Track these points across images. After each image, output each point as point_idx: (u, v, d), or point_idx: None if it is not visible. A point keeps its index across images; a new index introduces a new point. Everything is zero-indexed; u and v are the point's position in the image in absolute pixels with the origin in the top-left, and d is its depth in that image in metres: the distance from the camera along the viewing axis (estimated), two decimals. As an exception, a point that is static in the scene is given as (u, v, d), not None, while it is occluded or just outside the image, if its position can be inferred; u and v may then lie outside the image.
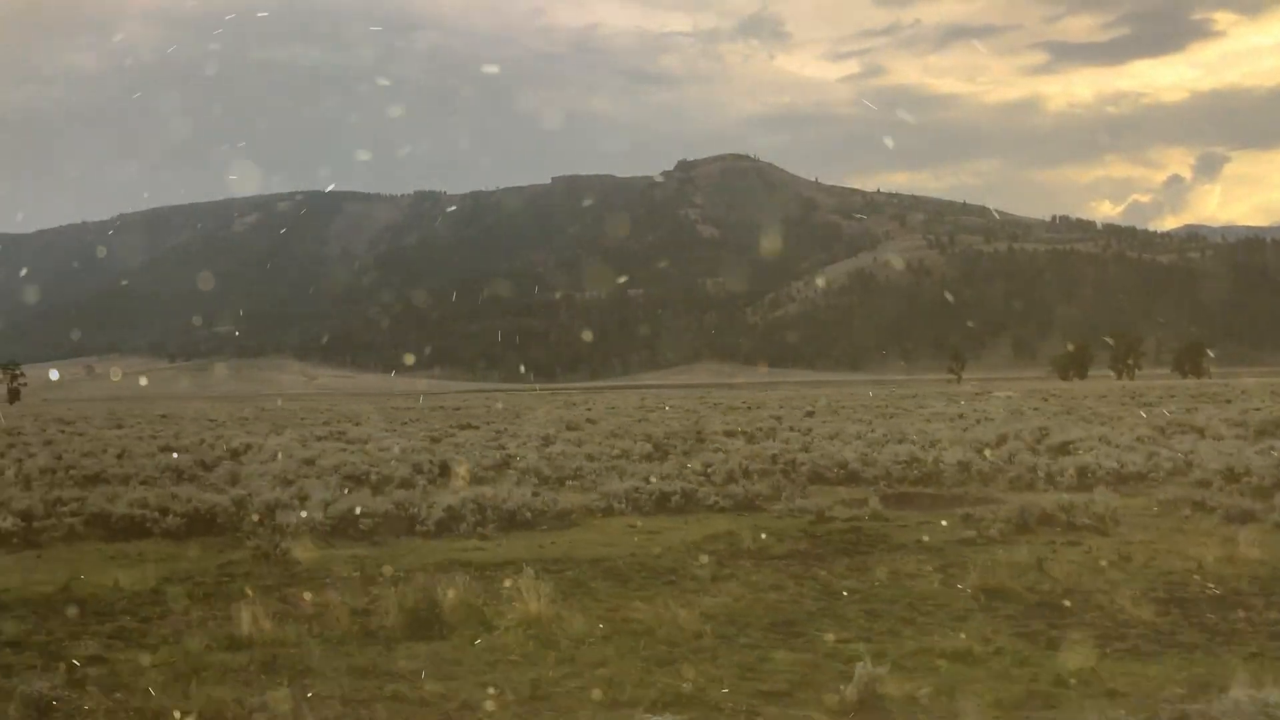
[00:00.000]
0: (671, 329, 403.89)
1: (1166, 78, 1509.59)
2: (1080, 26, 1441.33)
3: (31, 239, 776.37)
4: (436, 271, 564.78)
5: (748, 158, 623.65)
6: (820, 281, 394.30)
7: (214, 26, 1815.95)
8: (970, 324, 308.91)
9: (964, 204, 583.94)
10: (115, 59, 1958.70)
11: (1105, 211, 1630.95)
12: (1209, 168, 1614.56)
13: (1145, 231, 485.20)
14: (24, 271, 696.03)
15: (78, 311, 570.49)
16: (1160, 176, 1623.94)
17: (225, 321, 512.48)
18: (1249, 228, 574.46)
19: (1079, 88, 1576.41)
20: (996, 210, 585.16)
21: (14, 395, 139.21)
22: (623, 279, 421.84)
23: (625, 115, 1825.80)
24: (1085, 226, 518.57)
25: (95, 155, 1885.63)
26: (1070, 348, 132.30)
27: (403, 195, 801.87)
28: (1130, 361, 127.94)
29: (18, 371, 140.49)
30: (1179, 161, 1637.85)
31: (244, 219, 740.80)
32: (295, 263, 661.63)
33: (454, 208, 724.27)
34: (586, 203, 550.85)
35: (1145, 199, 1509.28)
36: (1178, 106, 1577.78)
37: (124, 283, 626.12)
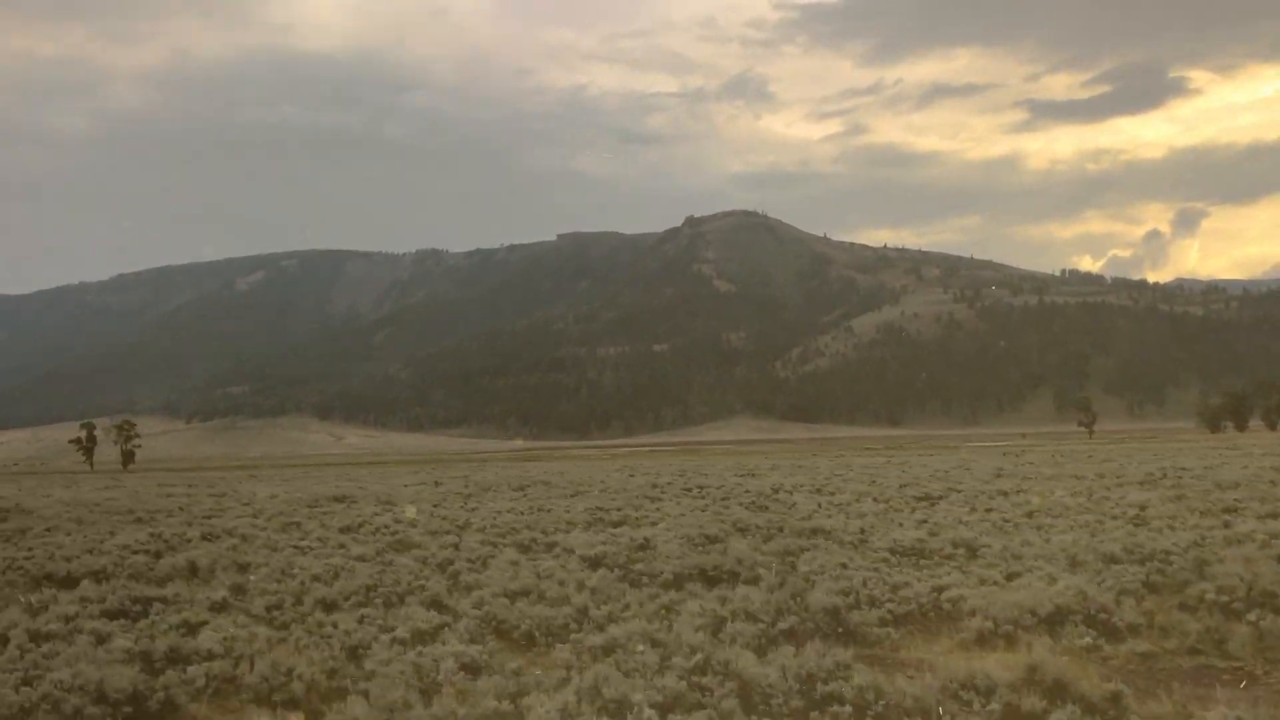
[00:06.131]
0: (700, 384, 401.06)
1: (1145, 135, 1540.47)
2: (1060, 85, 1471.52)
3: (30, 300, 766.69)
4: (447, 329, 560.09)
5: (757, 214, 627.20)
6: (851, 334, 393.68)
7: (206, 89, 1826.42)
8: (1015, 376, 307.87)
9: (972, 258, 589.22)
10: (108, 121, 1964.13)
11: (1086, 266, 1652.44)
12: (1187, 223, 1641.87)
13: (1163, 285, 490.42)
14: (23, 332, 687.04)
15: (84, 373, 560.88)
16: (1139, 231, 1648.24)
17: (235, 380, 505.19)
18: (1229, 281, 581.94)
19: (1059, 145, 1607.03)
20: (1001, 263, 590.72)
21: (128, 458, 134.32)
22: (651, 333, 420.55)
23: (616, 173, 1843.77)
24: (1096, 280, 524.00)
25: (89, 217, 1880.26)
26: (1219, 397, 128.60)
27: (405, 254, 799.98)
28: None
29: (133, 433, 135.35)
30: (1158, 216, 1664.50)
31: (247, 278, 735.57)
32: (301, 321, 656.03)
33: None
34: (602, 256, 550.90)
35: (1125, 253, 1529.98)
36: (1156, 163, 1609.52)
37: (129, 342, 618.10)
